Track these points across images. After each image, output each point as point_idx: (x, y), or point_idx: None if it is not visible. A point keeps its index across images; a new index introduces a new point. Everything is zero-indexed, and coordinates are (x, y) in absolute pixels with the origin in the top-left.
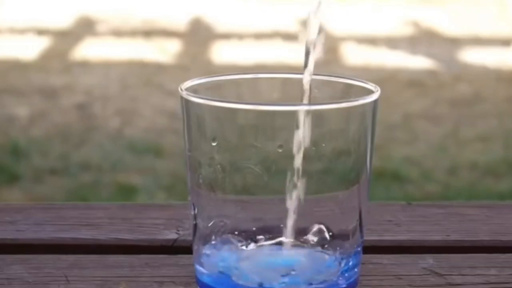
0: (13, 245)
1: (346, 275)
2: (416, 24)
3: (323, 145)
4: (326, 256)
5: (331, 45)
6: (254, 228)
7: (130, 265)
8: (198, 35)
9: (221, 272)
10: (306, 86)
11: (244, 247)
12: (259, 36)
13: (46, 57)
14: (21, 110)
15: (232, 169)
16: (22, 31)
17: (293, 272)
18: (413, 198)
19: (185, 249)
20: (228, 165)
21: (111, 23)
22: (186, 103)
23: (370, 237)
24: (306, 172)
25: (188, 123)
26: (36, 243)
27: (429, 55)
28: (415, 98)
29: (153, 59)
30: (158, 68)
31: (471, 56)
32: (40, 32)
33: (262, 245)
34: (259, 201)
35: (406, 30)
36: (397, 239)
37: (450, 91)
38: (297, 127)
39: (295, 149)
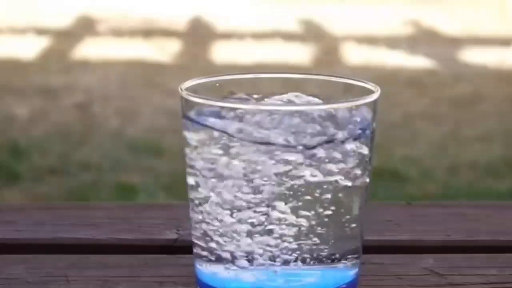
0: (13, 245)
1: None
2: (416, 24)
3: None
4: None
5: (331, 45)
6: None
7: (130, 265)
8: (198, 35)
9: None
10: None
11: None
12: (259, 36)
13: (46, 57)
14: (21, 110)
15: None
16: (22, 31)
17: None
18: (413, 198)
19: (185, 249)
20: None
21: (111, 23)
22: (186, 103)
23: (370, 237)
24: (306, 172)
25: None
26: (36, 243)
27: (429, 55)
28: (415, 98)
29: (153, 59)
30: (158, 68)
31: (471, 56)
32: (40, 32)
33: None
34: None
35: (406, 30)
36: (397, 239)
37: (450, 91)
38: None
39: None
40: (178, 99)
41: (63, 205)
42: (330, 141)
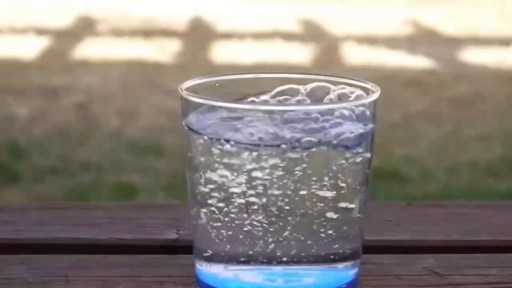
0: (13, 245)
1: None
2: (416, 24)
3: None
4: None
5: (331, 45)
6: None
7: (130, 265)
8: (198, 35)
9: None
10: None
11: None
12: (259, 36)
13: (46, 57)
14: (21, 110)
15: None
16: (22, 31)
17: None
18: (413, 198)
19: (185, 249)
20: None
21: (111, 23)
22: (186, 103)
23: (370, 237)
24: (305, 172)
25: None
26: (36, 243)
27: (429, 55)
28: (415, 97)
29: (153, 59)
30: (158, 68)
31: (471, 56)
32: (40, 32)
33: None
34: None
35: (406, 30)
36: (397, 239)
37: (450, 91)
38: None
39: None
40: (178, 99)
41: (63, 205)
42: (329, 141)
